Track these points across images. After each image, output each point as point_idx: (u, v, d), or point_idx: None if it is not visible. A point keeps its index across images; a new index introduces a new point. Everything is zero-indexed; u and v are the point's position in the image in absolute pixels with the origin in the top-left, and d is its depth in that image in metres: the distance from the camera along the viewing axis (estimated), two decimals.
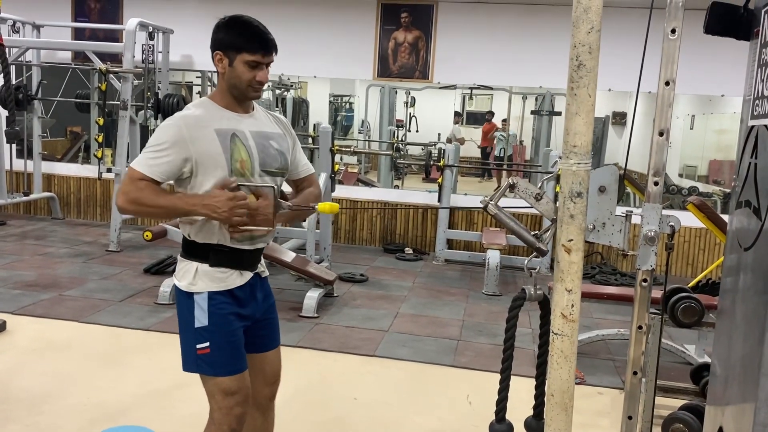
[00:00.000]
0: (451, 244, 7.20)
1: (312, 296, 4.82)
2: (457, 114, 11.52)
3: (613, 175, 1.77)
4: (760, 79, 1.70)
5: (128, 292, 5.11)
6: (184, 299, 2.01)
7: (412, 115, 10.83)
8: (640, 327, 1.80)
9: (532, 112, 10.16)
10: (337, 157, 10.93)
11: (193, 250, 2.01)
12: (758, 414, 1.54)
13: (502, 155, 11.21)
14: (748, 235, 1.69)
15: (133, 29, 6.57)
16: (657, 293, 3.75)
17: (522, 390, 2.76)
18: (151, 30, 7.00)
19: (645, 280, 1.78)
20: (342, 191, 7.28)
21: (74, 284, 5.27)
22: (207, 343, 1.98)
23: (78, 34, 7.90)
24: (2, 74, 5.62)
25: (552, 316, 1.48)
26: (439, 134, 10.57)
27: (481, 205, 1.54)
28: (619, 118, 9.45)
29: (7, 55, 6.99)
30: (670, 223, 1.75)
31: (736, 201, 1.85)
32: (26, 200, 7.75)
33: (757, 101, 1.72)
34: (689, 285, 4.68)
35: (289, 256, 5.07)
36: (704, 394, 3.25)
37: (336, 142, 11.35)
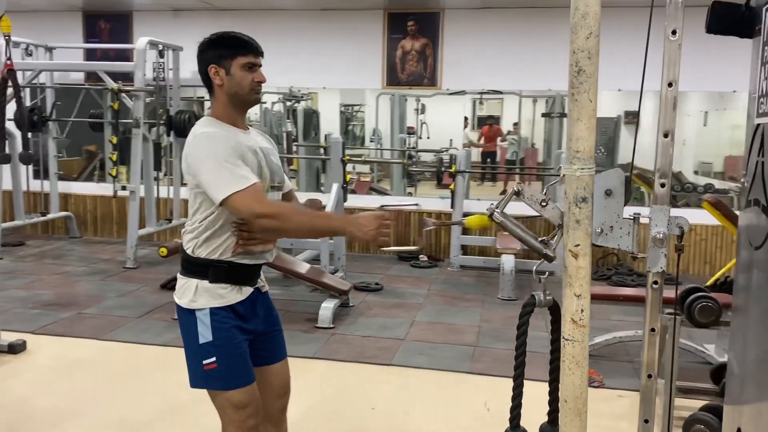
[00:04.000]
0: (465, 250, 7.19)
1: (327, 307, 4.83)
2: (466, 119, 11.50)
3: (619, 178, 1.77)
4: (764, 77, 1.69)
5: (146, 309, 5.15)
6: (186, 316, 2.02)
7: (422, 122, 10.83)
8: (653, 330, 1.80)
9: (543, 115, 10.12)
10: (350, 167, 10.99)
11: (193, 268, 2.02)
12: None
13: (514, 159, 11.16)
14: (758, 234, 1.68)
15: (143, 48, 6.64)
16: (673, 293, 3.73)
17: (540, 396, 2.91)
18: (161, 48, 7.07)
19: (656, 282, 1.77)
20: (355, 200, 7.26)
21: (93, 302, 5.32)
22: (213, 358, 1.99)
23: (89, 54, 8.00)
24: (15, 98, 5.71)
25: (562, 322, 1.47)
26: (451, 140, 10.55)
27: (487, 213, 1.54)
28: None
29: (20, 79, 7.12)
30: (679, 224, 1.75)
31: (745, 199, 1.84)
32: (44, 220, 7.86)
33: (762, 99, 1.71)
34: (707, 284, 4.64)
35: (304, 268, 5.09)
36: (724, 394, 3.21)
37: (348, 152, 11.34)
